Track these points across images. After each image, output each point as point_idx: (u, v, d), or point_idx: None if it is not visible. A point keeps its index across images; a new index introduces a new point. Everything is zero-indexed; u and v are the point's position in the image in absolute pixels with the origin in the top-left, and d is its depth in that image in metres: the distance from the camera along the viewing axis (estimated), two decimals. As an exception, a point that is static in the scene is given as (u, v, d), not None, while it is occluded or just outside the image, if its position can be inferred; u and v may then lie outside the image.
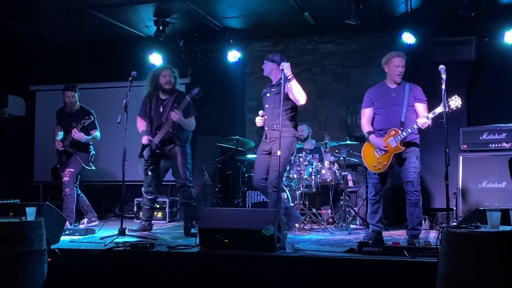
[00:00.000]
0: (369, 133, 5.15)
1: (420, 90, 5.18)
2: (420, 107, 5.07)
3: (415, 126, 4.90)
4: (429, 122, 4.90)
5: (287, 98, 5.23)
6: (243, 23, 7.60)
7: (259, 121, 5.44)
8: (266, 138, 5.38)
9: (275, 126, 5.26)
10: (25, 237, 4.06)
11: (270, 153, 5.34)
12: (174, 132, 5.71)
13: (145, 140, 5.78)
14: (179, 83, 6.06)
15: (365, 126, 5.22)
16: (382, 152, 5.03)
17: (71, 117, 6.44)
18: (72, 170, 6.29)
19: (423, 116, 4.91)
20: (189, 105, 5.73)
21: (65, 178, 6.26)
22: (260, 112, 5.44)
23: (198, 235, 4.65)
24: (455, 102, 4.76)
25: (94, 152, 6.57)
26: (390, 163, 5.01)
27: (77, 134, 6.18)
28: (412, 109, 5.06)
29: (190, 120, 5.80)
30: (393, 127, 5.00)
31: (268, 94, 5.45)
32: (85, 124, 6.24)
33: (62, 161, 6.43)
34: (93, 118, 6.37)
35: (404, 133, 4.93)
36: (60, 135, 6.44)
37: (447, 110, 4.71)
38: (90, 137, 6.36)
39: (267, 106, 5.40)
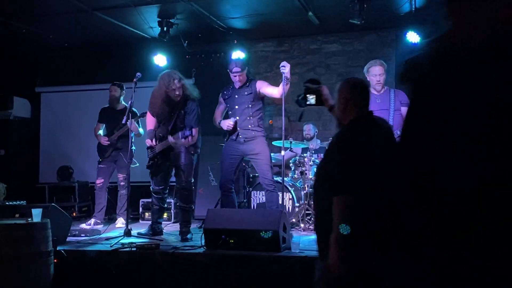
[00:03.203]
0: None
1: (405, 94, 5.26)
2: (406, 111, 5.10)
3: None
4: None
5: (258, 98, 5.38)
6: (247, 23, 7.60)
7: (230, 124, 5.38)
8: (237, 138, 5.41)
9: (249, 126, 5.37)
10: (31, 239, 4.07)
11: (242, 158, 5.48)
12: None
13: (148, 143, 5.58)
14: (189, 86, 5.51)
15: None
16: None
17: (118, 114, 6.60)
18: (125, 175, 6.62)
19: None
20: (190, 113, 5.36)
21: (122, 183, 6.71)
22: (232, 119, 5.42)
23: (203, 235, 4.65)
24: None
25: (134, 148, 6.67)
26: None
27: (133, 124, 6.27)
28: (398, 113, 5.16)
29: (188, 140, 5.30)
30: None
31: (236, 96, 5.46)
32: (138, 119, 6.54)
33: (106, 156, 6.68)
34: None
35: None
36: (101, 132, 6.76)
37: None
38: (139, 131, 6.59)
39: (237, 107, 5.43)
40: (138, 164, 6.57)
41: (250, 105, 5.38)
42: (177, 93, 5.30)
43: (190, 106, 5.38)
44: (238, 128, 5.43)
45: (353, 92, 2.57)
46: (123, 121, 5.68)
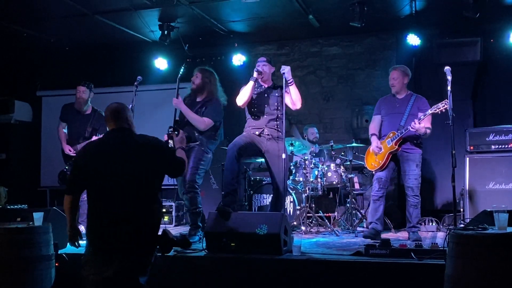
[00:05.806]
0: (372, 135, 5.55)
1: (425, 101, 5.40)
2: (422, 116, 5.21)
3: (409, 127, 5.13)
4: (422, 127, 5.08)
5: (283, 103, 5.24)
6: (247, 26, 7.62)
7: (260, 70, 5.18)
8: (262, 134, 5.20)
9: (276, 127, 5.21)
10: (32, 242, 4.08)
11: (260, 150, 5.22)
12: (192, 131, 5.36)
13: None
14: (219, 88, 5.62)
15: (371, 129, 5.62)
16: (378, 151, 5.40)
17: (85, 119, 6.18)
18: None
19: (417, 121, 5.08)
20: (212, 107, 5.41)
21: None
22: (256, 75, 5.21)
23: (204, 239, 4.65)
24: (444, 105, 4.97)
25: None
26: (384, 161, 5.33)
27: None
28: (412, 118, 5.22)
29: (199, 119, 5.33)
30: (393, 131, 5.33)
31: (266, 95, 5.29)
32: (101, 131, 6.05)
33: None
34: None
35: (399, 134, 5.22)
36: (64, 137, 6.25)
37: (437, 112, 5.00)
38: None
39: (266, 106, 5.24)
40: None
41: (279, 108, 5.25)
42: (194, 80, 5.53)
43: (208, 99, 5.47)
44: (265, 127, 5.22)
45: (107, 113, 3.48)
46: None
